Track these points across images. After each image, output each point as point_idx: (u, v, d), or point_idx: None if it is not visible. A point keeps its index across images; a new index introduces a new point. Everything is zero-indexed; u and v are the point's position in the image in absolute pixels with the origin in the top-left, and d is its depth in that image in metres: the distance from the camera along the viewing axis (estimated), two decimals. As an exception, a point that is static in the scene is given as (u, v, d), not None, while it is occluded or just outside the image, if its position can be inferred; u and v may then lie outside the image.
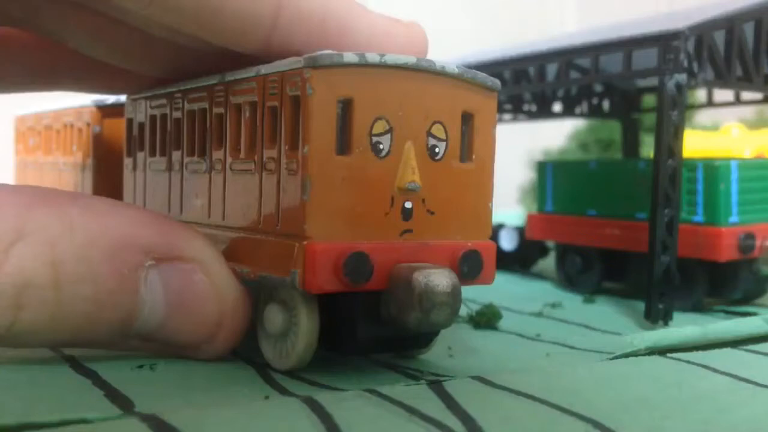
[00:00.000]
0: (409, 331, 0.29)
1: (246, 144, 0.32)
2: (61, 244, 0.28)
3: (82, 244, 0.29)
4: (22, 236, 0.28)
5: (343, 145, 0.29)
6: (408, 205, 0.30)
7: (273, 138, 0.30)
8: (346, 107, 0.29)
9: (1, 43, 0.40)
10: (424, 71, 0.30)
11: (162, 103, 0.39)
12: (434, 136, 0.30)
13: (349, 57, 0.28)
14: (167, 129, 0.38)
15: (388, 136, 0.29)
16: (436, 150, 0.31)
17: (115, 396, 0.28)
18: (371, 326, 0.30)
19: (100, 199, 0.31)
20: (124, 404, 0.27)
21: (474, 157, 0.32)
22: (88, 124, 0.49)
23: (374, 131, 0.29)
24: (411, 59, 0.30)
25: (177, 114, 0.37)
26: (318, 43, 0.32)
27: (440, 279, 0.28)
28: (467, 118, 0.31)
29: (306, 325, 0.30)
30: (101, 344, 0.31)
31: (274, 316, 0.31)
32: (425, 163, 0.30)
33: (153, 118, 0.40)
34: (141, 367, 0.32)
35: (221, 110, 0.34)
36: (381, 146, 0.29)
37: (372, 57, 0.29)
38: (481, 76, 0.32)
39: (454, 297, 0.28)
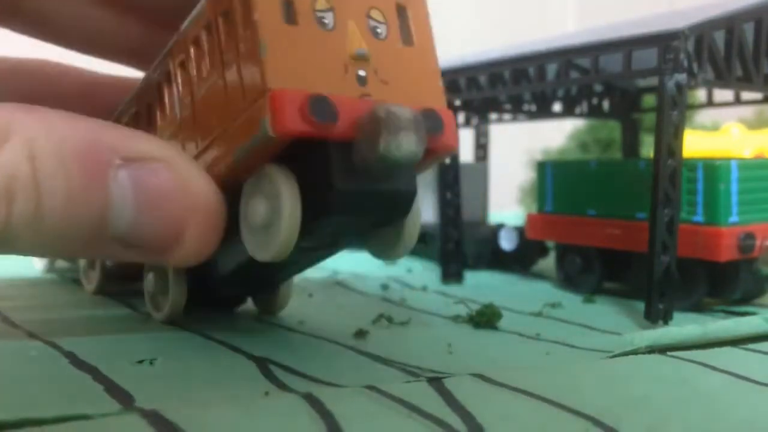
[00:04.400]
0: (381, 165, 0.29)
1: (209, 63, 0.33)
2: (39, 140, 0.29)
3: (56, 141, 0.29)
4: (9, 135, 0.29)
5: (289, 16, 0.30)
6: (362, 72, 0.31)
7: (229, 38, 0.31)
8: None
9: None
10: None
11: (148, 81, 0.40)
12: (374, 19, 0.32)
13: None
14: (153, 98, 0.39)
15: (330, 13, 0.31)
16: (378, 30, 0.32)
17: (115, 391, 0.28)
18: (347, 177, 0.30)
19: (77, 114, 0.32)
20: (124, 399, 0.27)
21: (415, 41, 0.33)
22: None
23: (317, 7, 0.31)
24: None
25: (159, 78, 0.38)
26: None
27: (402, 108, 0.29)
28: (401, 9, 0.33)
29: (288, 209, 0.30)
30: (83, 249, 0.31)
31: (256, 207, 0.31)
32: (370, 41, 0.32)
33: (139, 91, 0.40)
34: (141, 362, 0.32)
35: (183, 56, 0.35)
36: (325, 21, 0.31)
37: None
38: None
39: (417, 125, 0.29)
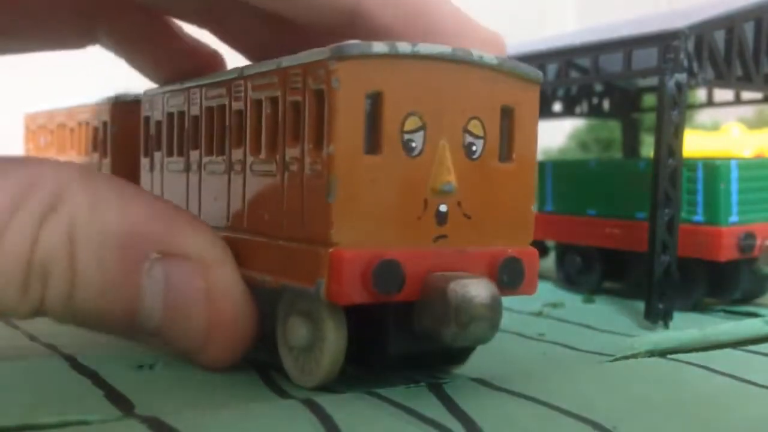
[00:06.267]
0: (444, 346, 0.27)
1: (267, 143, 0.30)
2: (82, 219, 0.28)
3: (100, 225, 0.29)
4: (58, 205, 0.28)
5: (372, 143, 0.27)
6: (443, 208, 0.28)
7: (296, 136, 0.28)
8: (376, 102, 0.27)
9: None
10: (461, 62, 0.28)
11: (179, 101, 0.37)
12: (471, 133, 0.28)
13: (379, 47, 0.26)
14: (184, 127, 0.36)
15: (421, 133, 0.27)
16: (474, 148, 0.28)
17: (115, 397, 0.28)
18: (403, 340, 0.28)
19: (128, 183, 0.31)
20: (124, 405, 0.27)
21: (515, 155, 0.29)
22: (105, 123, 0.47)
23: (406, 128, 0.27)
24: (446, 49, 0.27)
25: (195, 111, 0.35)
26: (403, 27, 0.31)
27: (478, 290, 0.26)
28: (507, 113, 0.29)
29: (333, 339, 0.28)
30: (115, 332, 0.31)
31: (297, 329, 0.29)
32: (461, 162, 0.28)
33: (170, 115, 0.38)
34: (141, 367, 0.32)
35: (241, 106, 0.32)
36: (413, 144, 0.27)
37: (404, 47, 0.27)
38: (523, 66, 0.30)
39: (494, 310, 0.26)
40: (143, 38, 0.41)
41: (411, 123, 0.27)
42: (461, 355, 0.32)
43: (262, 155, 0.30)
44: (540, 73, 0.30)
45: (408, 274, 0.27)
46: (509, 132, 0.29)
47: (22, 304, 0.28)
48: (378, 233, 0.27)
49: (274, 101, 0.29)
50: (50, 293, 0.28)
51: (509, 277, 0.29)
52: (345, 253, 0.26)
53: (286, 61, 0.29)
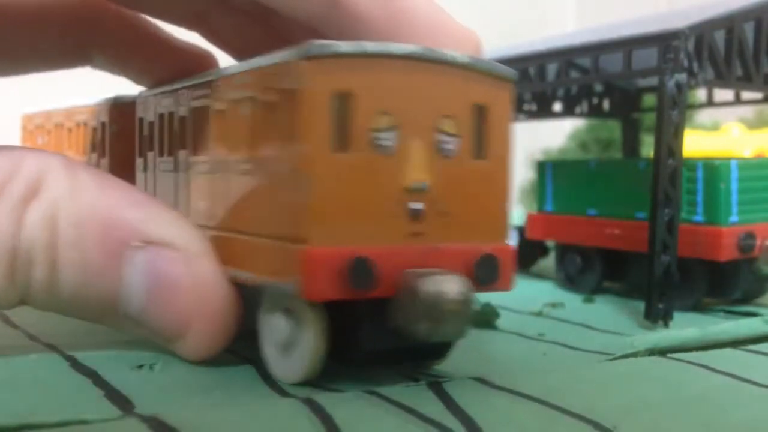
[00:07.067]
0: (418, 342, 0.28)
1: (245, 142, 0.30)
2: (64, 203, 0.29)
3: (80, 208, 0.29)
4: (39, 191, 0.29)
5: (342, 142, 0.27)
6: (416, 206, 0.28)
7: (270, 135, 0.29)
8: (345, 101, 0.27)
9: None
10: (432, 61, 0.28)
11: (169, 102, 0.38)
12: (444, 132, 0.28)
13: (347, 46, 0.27)
14: (173, 128, 0.37)
15: (393, 132, 0.27)
16: (447, 147, 0.29)
17: (114, 396, 0.28)
18: (377, 336, 0.29)
19: (109, 175, 0.32)
20: (124, 405, 0.27)
21: (489, 153, 0.30)
22: (104, 123, 0.47)
23: (376, 127, 0.27)
24: (417, 48, 0.28)
25: (183, 112, 0.36)
26: (381, 14, 0.31)
27: (449, 286, 0.26)
28: (480, 112, 0.29)
29: (314, 334, 0.28)
30: (97, 319, 0.31)
31: (279, 326, 0.30)
32: (435, 161, 0.28)
33: (161, 116, 0.39)
34: (141, 367, 0.32)
35: (221, 106, 0.32)
36: (385, 143, 0.27)
37: (372, 46, 0.27)
38: (496, 65, 0.30)
39: (466, 306, 0.27)
40: (136, 53, 0.42)
41: (382, 122, 0.27)
42: (440, 350, 0.32)
43: (241, 154, 0.30)
44: (513, 72, 0.30)
45: (381, 270, 0.27)
46: (483, 130, 0.29)
47: (8, 292, 0.29)
48: (351, 231, 0.27)
49: (250, 101, 0.30)
50: (34, 280, 0.28)
51: (485, 273, 0.29)
52: (317, 251, 0.26)
53: (260, 61, 0.29)
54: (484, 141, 0.30)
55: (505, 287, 0.30)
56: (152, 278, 0.30)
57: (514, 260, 0.30)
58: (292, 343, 0.29)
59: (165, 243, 0.30)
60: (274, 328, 0.30)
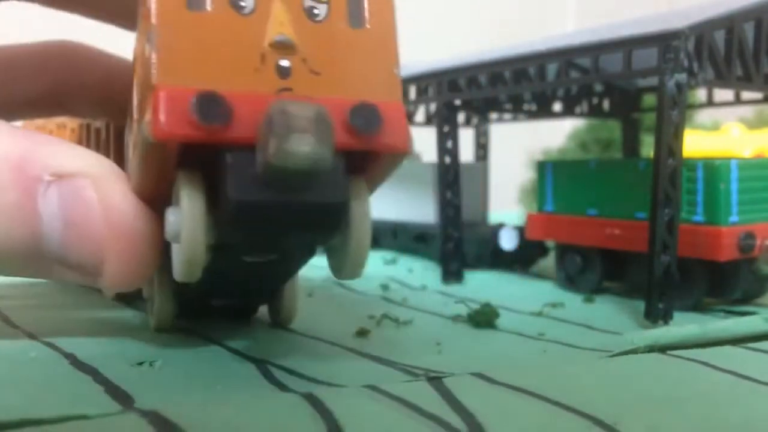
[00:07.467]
0: (275, 174, 0.26)
1: (138, 43, 0.29)
2: None
3: None
4: None
5: (196, 1, 0.26)
6: (284, 63, 0.27)
7: (142, 19, 0.28)
8: None
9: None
10: None
11: None
12: None
13: None
14: None
15: None
16: (315, 11, 0.28)
17: (115, 392, 0.28)
18: (248, 188, 0.26)
19: (16, 127, 0.31)
20: (124, 400, 0.27)
21: (368, 22, 0.28)
22: (108, 124, 0.46)
23: None
24: None
25: None
26: None
27: (300, 105, 0.25)
28: None
29: (188, 199, 0.27)
30: (24, 267, 0.31)
31: (167, 220, 0.28)
32: (303, 24, 0.27)
33: None
34: (141, 363, 0.32)
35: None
36: (242, 3, 0.27)
37: None
38: None
39: (318, 124, 0.25)
40: (112, 95, 0.42)
41: None
42: (327, 216, 0.29)
43: (138, 53, 0.30)
44: None
45: (237, 109, 0.26)
46: (357, 1, 0.28)
47: None
48: (210, 82, 0.26)
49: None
50: None
51: (363, 120, 0.27)
52: (165, 88, 0.25)
53: None
54: (360, 10, 0.28)
55: (393, 141, 0.28)
56: (66, 208, 0.29)
57: (403, 117, 0.28)
58: (178, 233, 0.28)
59: (75, 173, 0.30)
60: (166, 225, 0.29)
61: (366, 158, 0.29)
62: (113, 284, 0.31)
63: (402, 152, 0.28)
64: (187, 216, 0.27)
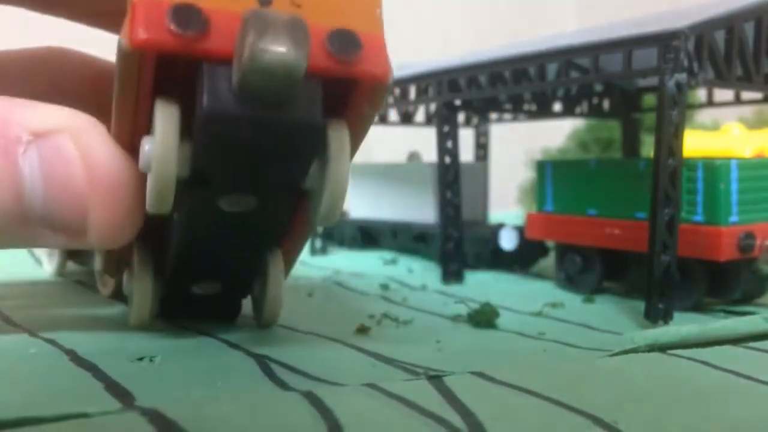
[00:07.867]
0: (252, 76, 0.25)
1: None
2: None
3: None
4: None
5: None
6: None
7: None
8: None
9: None
10: None
11: None
12: None
13: None
14: None
15: None
16: None
17: (115, 389, 0.28)
18: (223, 100, 0.26)
19: None
20: (124, 398, 0.27)
21: None
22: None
23: None
24: None
25: None
26: None
27: (276, 12, 0.25)
28: None
29: (161, 128, 0.27)
30: (10, 234, 0.30)
31: (143, 147, 0.28)
32: None
33: None
34: (141, 359, 0.32)
35: None
36: None
37: None
38: None
39: (294, 29, 0.25)
40: (102, 100, 0.42)
41: None
42: (302, 135, 0.28)
43: None
44: None
45: (214, 20, 0.26)
46: None
47: None
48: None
49: None
50: None
51: (341, 44, 0.27)
52: (145, 0, 0.26)
53: None
54: None
55: (372, 69, 0.28)
56: (46, 166, 0.29)
57: (384, 48, 0.28)
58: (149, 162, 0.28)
59: (54, 129, 0.29)
60: (141, 154, 0.28)
61: (346, 99, 0.28)
62: (100, 240, 0.30)
63: (382, 83, 0.28)
64: (159, 139, 0.27)
